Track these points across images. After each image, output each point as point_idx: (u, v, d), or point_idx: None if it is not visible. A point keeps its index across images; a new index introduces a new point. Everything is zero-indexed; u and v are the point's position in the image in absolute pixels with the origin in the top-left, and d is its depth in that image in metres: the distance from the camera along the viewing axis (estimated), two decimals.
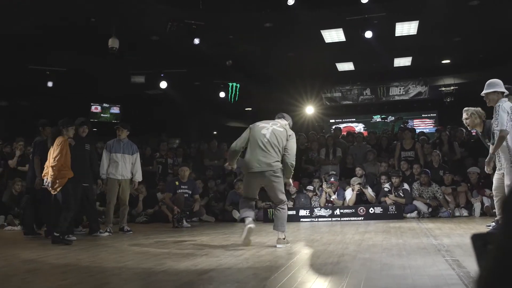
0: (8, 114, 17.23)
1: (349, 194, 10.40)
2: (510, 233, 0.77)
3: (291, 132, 6.16)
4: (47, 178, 6.95)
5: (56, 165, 6.80)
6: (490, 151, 6.18)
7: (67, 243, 6.59)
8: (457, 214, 9.89)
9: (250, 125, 6.29)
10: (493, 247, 0.85)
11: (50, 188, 6.93)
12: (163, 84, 15.94)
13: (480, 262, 1.12)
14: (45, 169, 7.07)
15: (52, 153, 6.89)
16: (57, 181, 6.86)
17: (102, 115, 19.19)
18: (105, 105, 19.25)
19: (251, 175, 6.04)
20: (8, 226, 9.79)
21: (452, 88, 17.30)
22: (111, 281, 3.91)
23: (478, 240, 1.19)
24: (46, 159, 7.27)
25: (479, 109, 6.56)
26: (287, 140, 6.03)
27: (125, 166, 8.56)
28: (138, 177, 8.81)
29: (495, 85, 6.03)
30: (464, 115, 6.58)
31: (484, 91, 6.08)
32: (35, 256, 5.60)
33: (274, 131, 6.08)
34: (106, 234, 7.96)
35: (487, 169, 6.41)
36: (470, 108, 6.56)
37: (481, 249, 1.16)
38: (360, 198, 10.35)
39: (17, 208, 10.05)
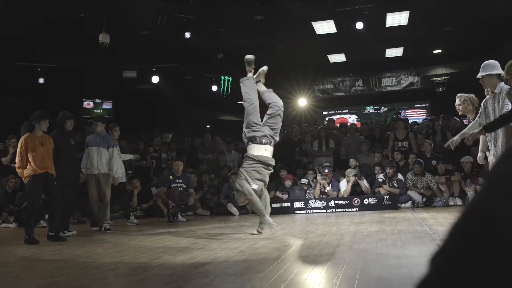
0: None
1: (344, 186, 10.42)
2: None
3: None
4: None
5: (18, 168, 6.79)
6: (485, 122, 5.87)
7: (35, 242, 6.37)
8: (451, 203, 9.94)
9: None
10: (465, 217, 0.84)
11: None
12: (155, 79, 15.89)
13: None
14: None
15: None
16: (24, 179, 6.80)
17: (94, 111, 19.10)
18: (97, 100, 19.15)
19: None
20: (3, 223, 9.76)
21: (444, 78, 17.34)
22: (107, 276, 3.91)
23: None
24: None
25: (472, 95, 6.48)
26: None
27: (100, 160, 8.41)
28: (116, 172, 8.60)
29: (491, 67, 5.76)
30: (457, 101, 6.52)
31: (480, 74, 5.84)
32: (30, 252, 5.59)
33: None
34: (70, 233, 7.67)
35: (469, 140, 6.20)
36: (463, 94, 6.49)
37: None
38: (355, 189, 10.39)
39: (11, 205, 10.02)
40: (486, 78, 5.71)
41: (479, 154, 6.19)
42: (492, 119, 5.54)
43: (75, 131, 8.26)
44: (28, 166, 6.66)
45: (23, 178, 6.84)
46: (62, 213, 7.80)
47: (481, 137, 5.98)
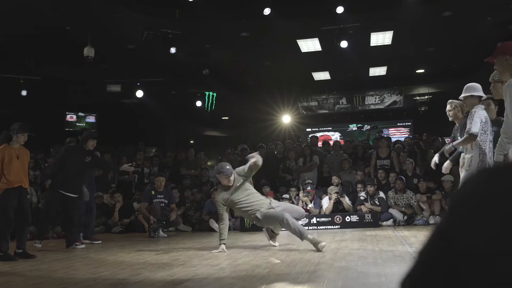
0: None
1: (326, 203, 10.44)
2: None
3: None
4: None
5: None
6: (454, 143, 6.10)
7: (11, 259, 6.17)
8: (432, 221, 9.98)
9: None
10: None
11: None
12: (139, 93, 15.88)
13: None
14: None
15: None
16: None
17: (77, 124, 19.00)
18: (80, 114, 19.07)
19: None
20: None
21: (426, 97, 17.56)
22: None
23: None
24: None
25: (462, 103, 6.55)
26: None
27: None
28: None
29: (473, 89, 5.89)
30: (448, 107, 6.53)
31: (462, 95, 5.97)
32: (7, 267, 5.50)
33: None
34: (83, 246, 7.76)
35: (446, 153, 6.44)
36: (454, 100, 6.51)
37: None
38: (337, 207, 10.40)
39: None
40: (469, 99, 5.81)
41: (435, 157, 6.44)
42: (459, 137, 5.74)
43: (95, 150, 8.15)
44: (1, 179, 6.43)
45: None
46: (40, 223, 7.79)
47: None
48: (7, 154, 6.50)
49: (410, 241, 6.95)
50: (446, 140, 12.52)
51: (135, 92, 15.82)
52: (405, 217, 10.16)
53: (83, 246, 7.84)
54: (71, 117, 18.95)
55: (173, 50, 12.27)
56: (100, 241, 8.37)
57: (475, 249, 0.67)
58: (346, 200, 10.42)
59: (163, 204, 9.90)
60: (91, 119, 19.30)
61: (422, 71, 17.17)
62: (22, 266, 5.57)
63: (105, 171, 9.68)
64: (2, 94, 15.84)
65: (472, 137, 5.54)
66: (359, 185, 10.63)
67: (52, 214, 7.77)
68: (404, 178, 10.53)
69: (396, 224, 10.10)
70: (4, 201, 6.41)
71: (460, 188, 0.77)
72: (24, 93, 14.89)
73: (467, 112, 6.21)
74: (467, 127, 5.63)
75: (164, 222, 9.74)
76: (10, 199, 6.43)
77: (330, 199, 10.42)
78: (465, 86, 5.95)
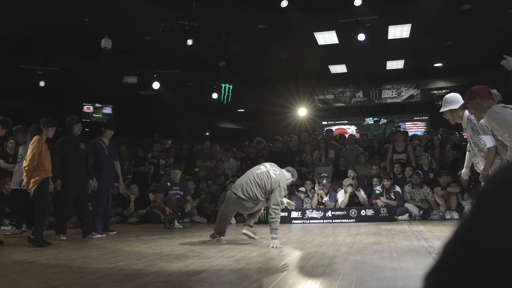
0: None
1: (342, 196, 10.42)
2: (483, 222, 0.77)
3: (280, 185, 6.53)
4: (23, 178, 6.91)
5: (28, 166, 6.70)
6: (484, 169, 5.59)
7: (43, 245, 6.41)
8: (448, 216, 9.93)
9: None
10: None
11: (27, 189, 6.88)
12: (156, 85, 15.92)
13: None
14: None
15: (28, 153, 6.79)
16: (31, 181, 6.75)
17: (94, 115, 19.13)
18: (97, 105, 19.19)
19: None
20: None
21: (444, 91, 17.36)
22: (102, 282, 3.90)
23: None
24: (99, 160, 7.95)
25: None
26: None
27: None
28: None
29: (453, 102, 5.48)
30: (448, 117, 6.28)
31: (442, 109, 5.57)
32: (25, 256, 5.57)
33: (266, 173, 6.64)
34: (99, 236, 7.86)
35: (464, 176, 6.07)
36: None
37: None
38: (352, 200, 10.38)
39: (8, 208, 9.99)
40: (449, 114, 5.42)
41: (464, 170, 5.99)
42: (473, 148, 5.41)
43: (83, 135, 8.21)
44: (39, 169, 6.70)
45: (31, 180, 6.76)
46: (83, 217, 7.89)
47: (467, 154, 5.87)
48: (43, 146, 6.84)
49: (426, 236, 6.91)
50: (463, 135, 12.41)
51: (152, 83, 15.87)
52: (421, 212, 10.11)
53: (101, 236, 7.95)
54: (88, 108, 19.08)
55: (190, 42, 12.27)
56: (115, 232, 8.45)
57: (505, 244, 0.67)
58: (362, 194, 10.39)
59: (179, 196, 9.96)
60: (107, 110, 19.41)
61: (440, 64, 17.00)
62: (40, 255, 5.64)
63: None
64: (20, 85, 16.00)
65: (492, 149, 5.26)
66: (375, 179, 10.59)
67: (69, 209, 7.86)
68: (421, 173, 10.47)
69: (412, 218, 10.06)
70: (44, 189, 6.77)
71: (489, 182, 0.77)
72: (42, 84, 15.01)
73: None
74: (482, 144, 5.24)
75: (179, 214, 9.80)
76: (47, 188, 6.85)
77: (345, 192, 10.39)
78: (444, 98, 5.60)
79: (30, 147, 6.75)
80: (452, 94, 5.57)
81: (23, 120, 7.09)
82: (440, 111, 5.52)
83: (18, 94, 17.27)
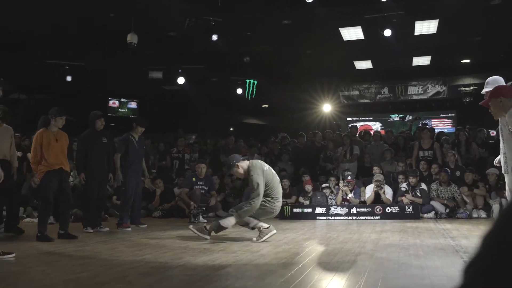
0: (27, 108, 17.43)
1: (369, 191, 10.33)
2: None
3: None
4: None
5: (31, 160, 6.76)
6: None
7: (49, 239, 6.32)
8: (475, 215, 9.78)
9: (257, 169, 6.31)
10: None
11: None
12: (181, 80, 16.00)
13: None
14: None
15: None
16: (37, 175, 6.78)
17: (119, 109, 19.33)
18: (122, 100, 19.39)
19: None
20: (27, 218, 9.92)
21: (471, 88, 17.14)
22: (129, 274, 3.94)
23: None
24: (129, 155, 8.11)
25: None
26: None
27: None
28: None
29: (496, 82, 5.36)
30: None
31: (484, 90, 5.45)
32: (53, 248, 5.66)
33: None
34: (107, 228, 7.87)
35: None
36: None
37: None
38: (379, 197, 10.30)
39: (36, 201, 10.17)
40: (494, 105, 4.93)
41: (498, 157, 5.67)
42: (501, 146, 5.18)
43: (105, 130, 8.28)
44: (42, 162, 6.62)
45: (36, 174, 6.84)
46: (96, 210, 7.94)
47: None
48: (45, 137, 6.69)
49: (453, 234, 6.83)
50: (491, 132, 12.23)
51: (177, 79, 15.96)
52: (447, 210, 9.98)
53: (127, 229, 8.07)
54: (113, 103, 19.29)
55: (214, 37, 12.29)
56: (145, 225, 8.54)
57: None
58: (386, 194, 10.27)
59: (203, 191, 10.00)
60: (133, 105, 19.61)
61: (467, 61, 16.75)
62: (67, 247, 5.72)
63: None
64: (47, 80, 16.24)
65: None
66: (401, 176, 10.49)
67: (94, 202, 7.92)
68: (448, 171, 10.33)
69: (438, 216, 9.95)
70: (45, 183, 6.63)
71: None
72: (68, 78, 15.20)
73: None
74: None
75: (204, 208, 9.85)
76: (51, 181, 6.62)
77: (377, 186, 10.25)
78: (486, 80, 5.48)
79: (33, 142, 6.77)
80: (495, 76, 5.52)
81: (46, 114, 7.09)
82: (483, 91, 5.45)
83: (45, 89, 17.55)
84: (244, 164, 6.44)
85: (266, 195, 6.26)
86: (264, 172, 6.28)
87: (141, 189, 8.87)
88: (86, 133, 7.95)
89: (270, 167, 6.60)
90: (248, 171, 6.32)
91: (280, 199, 6.46)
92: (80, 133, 8.13)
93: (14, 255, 4.88)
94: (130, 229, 8.10)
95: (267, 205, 6.26)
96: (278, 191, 6.41)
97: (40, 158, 6.64)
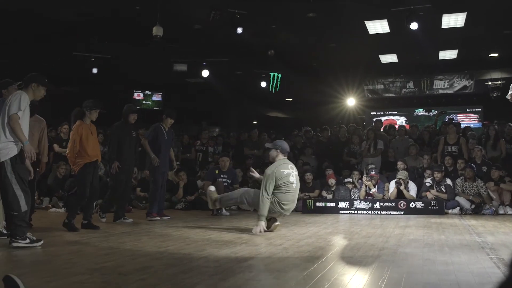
0: (54, 100, 17.65)
1: (392, 187, 10.25)
2: None
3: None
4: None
5: (69, 153, 6.80)
6: None
7: (74, 229, 6.43)
8: (501, 212, 9.63)
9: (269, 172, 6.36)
10: None
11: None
12: (205, 73, 16.02)
13: None
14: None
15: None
16: (74, 166, 6.83)
17: (144, 102, 19.48)
18: (147, 92, 19.53)
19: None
20: (53, 208, 10.07)
21: (499, 82, 16.82)
22: (153, 265, 3.98)
23: None
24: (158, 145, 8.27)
25: None
26: None
27: None
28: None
29: None
30: None
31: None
32: (79, 237, 5.74)
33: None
34: (131, 220, 7.90)
35: None
36: None
37: None
38: (402, 193, 10.20)
39: (61, 191, 10.33)
40: None
41: None
42: None
43: (135, 124, 8.34)
44: (81, 154, 6.70)
45: (73, 165, 6.87)
46: (121, 202, 8.02)
47: None
48: (84, 130, 6.79)
49: (478, 231, 6.74)
50: None
51: (201, 71, 15.99)
52: (473, 206, 9.84)
53: (156, 219, 8.19)
54: (138, 95, 19.45)
55: (239, 30, 12.26)
56: (169, 217, 8.57)
57: None
58: (408, 191, 10.15)
59: (226, 184, 10.03)
60: (157, 97, 19.74)
61: (495, 55, 16.43)
62: (92, 237, 5.80)
63: None
64: (74, 72, 16.43)
65: None
66: (428, 171, 10.35)
67: (120, 192, 7.99)
68: (474, 166, 10.18)
69: (463, 212, 9.82)
70: (84, 175, 6.73)
71: None
72: (94, 71, 15.34)
73: None
74: None
75: None
76: (89, 173, 6.75)
77: (400, 183, 10.15)
78: None
79: (72, 134, 6.84)
80: None
81: (74, 106, 7.15)
82: (508, 96, 5.35)
83: (72, 81, 17.75)
84: (277, 155, 6.57)
85: (276, 196, 6.31)
86: (276, 175, 6.31)
87: (165, 180, 8.91)
88: (118, 125, 8.01)
89: (292, 171, 6.51)
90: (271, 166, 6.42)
91: (290, 205, 6.43)
92: (106, 124, 8.19)
93: (42, 242, 4.96)
94: (159, 218, 8.21)
95: (271, 206, 6.32)
96: (288, 198, 6.37)
97: (77, 150, 6.73)
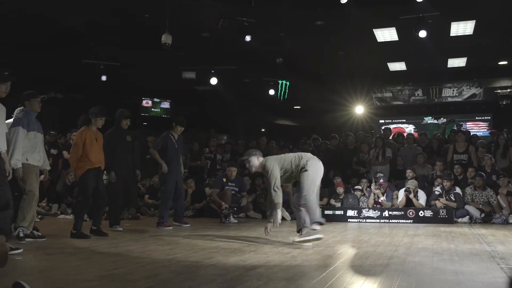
0: (63, 107, 17.74)
1: (401, 196, 10.20)
2: None
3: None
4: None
5: (71, 158, 6.81)
6: None
7: (85, 237, 6.44)
8: (511, 221, 9.55)
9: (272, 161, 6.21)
10: None
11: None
12: (214, 81, 16.05)
13: None
14: None
15: None
16: (76, 171, 6.82)
17: (152, 109, 19.54)
18: (156, 99, 19.58)
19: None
20: (61, 214, 10.11)
21: (508, 90, 16.74)
22: (161, 272, 3.98)
23: None
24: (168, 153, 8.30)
25: None
26: None
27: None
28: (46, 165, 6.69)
29: None
30: None
31: None
32: (87, 244, 5.75)
33: None
34: (121, 229, 7.74)
35: None
36: None
37: None
38: (410, 202, 10.14)
39: (70, 198, 10.37)
40: None
41: None
42: None
43: (130, 129, 8.32)
44: (84, 160, 6.70)
45: (75, 171, 6.85)
46: (115, 209, 7.98)
47: None
48: (88, 136, 6.79)
49: (488, 240, 6.69)
50: None
51: (209, 79, 16.02)
52: (482, 215, 9.77)
53: (168, 228, 8.13)
54: (146, 103, 19.50)
55: (248, 38, 12.29)
56: (189, 224, 8.54)
57: None
58: (418, 199, 10.10)
59: (234, 192, 10.04)
60: (165, 105, 19.78)
61: (505, 62, 16.36)
62: (100, 244, 5.80)
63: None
64: (83, 79, 16.52)
65: None
66: (439, 180, 10.28)
67: (121, 200, 7.97)
68: (484, 175, 10.12)
69: (472, 221, 9.75)
70: (86, 180, 6.70)
71: None
72: (103, 78, 15.41)
73: None
74: None
75: (235, 208, 9.87)
76: (91, 179, 6.72)
77: (410, 193, 10.09)
78: None
79: (74, 138, 6.84)
80: None
81: (84, 112, 7.18)
82: None
83: (81, 88, 17.84)
84: (258, 159, 6.41)
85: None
86: (279, 162, 6.20)
87: (181, 189, 8.86)
88: (111, 131, 7.98)
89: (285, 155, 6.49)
90: (264, 166, 6.23)
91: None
92: (104, 130, 8.19)
93: (21, 250, 4.96)
94: (171, 228, 8.14)
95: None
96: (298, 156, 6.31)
97: (80, 156, 6.72)
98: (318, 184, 6.11)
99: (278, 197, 5.93)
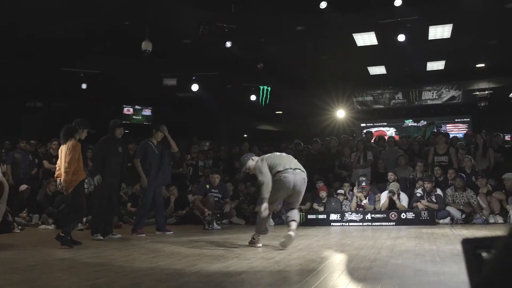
0: (43, 116, 17.59)
1: (383, 198, 10.27)
2: None
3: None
4: (60, 180, 6.94)
5: (69, 170, 6.74)
6: None
7: (70, 245, 6.40)
8: (491, 221, 9.67)
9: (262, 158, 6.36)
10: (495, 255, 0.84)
11: (63, 190, 6.98)
12: (195, 87, 16.04)
13: (471, 269, 1.08)
14: (57, 169, 7.03)
15: (64, 156, 6.78)
16: (70, 183, 6.77)
17: (134, 117, 19.44)
18: (137, 107, 19.49)
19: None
20: (42, 225, 9.99)
21: (486, 92, 17.00)
22: (143, 281, 3.95)
23: (468, 245, 1.13)
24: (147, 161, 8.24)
25: None
26: None
27: None
28: None
29: None
30: None
31: None
32: (69, 254, 5.69)
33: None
34: (119, 235, 7.83)
35: None
36: None
37: (471, 254, 1.11)
38: (393, 204, 10.22)
39: (51, 207, 10.25)
40: None
41: None
42: None
43: (122, 138, 8.28)
44: (77, 171, 6.74)
45: (68, 183, 6.74)
46: (108, 218, 7.94)
47: None
48: (79, 149, 6.88)
49: None
50: (506, 137, 12.11)
51: (191, 85, 16.00)
52: (463, 216, 9.88)
53: (141, 235, 8.10)
54: (128, 110, 19.40)
55: (228, 44, 12.32)
56: (172, 232, 8.53)
57: None
58: (401, 201, 10.18)
59: (217, 198, 10.02)
60: (147, 112, 19.70)
61: (482, 65, 16.62)
62: (82, 254, 5.75)
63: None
64: (63, 87, 16.38)
65: None
66: (420, 182, 10.37)
67: (104, 208, 7.91)
68: (464, 176, 10.24)
69: (454, 222, 9.85)
70: (81, 192, 6.85)
71: None
72: (84, 86, 15.31)
73: None
74: None
75: (218, 215, 9.85)
76: (83, 189, 6.94)
77: (393, 195, 10.16)
78: None
79: (70, 152, 6.76)
80: None
81: (69, 122, 7.14)
82: None
83: (61, 96, 17.70)
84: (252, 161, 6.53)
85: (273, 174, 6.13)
86: (264, 161, 6.24)
87: (160, 196, 8.83)
88: (104, 139, 7.97)
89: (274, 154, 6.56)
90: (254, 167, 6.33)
91: (289, 171, 6.18)
92: (93, 141, 8.15)
93: None
94: (144, 235, 8.10)
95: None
96: (282, 163, 6.24)
97: (75, 168, 6.76)
98: (279, 196, 6.26)
99: (265, 191, 5.99)
